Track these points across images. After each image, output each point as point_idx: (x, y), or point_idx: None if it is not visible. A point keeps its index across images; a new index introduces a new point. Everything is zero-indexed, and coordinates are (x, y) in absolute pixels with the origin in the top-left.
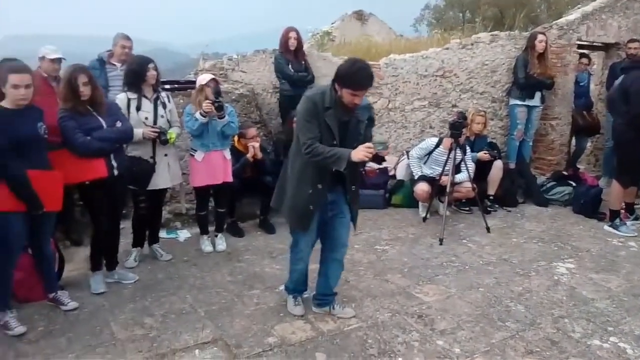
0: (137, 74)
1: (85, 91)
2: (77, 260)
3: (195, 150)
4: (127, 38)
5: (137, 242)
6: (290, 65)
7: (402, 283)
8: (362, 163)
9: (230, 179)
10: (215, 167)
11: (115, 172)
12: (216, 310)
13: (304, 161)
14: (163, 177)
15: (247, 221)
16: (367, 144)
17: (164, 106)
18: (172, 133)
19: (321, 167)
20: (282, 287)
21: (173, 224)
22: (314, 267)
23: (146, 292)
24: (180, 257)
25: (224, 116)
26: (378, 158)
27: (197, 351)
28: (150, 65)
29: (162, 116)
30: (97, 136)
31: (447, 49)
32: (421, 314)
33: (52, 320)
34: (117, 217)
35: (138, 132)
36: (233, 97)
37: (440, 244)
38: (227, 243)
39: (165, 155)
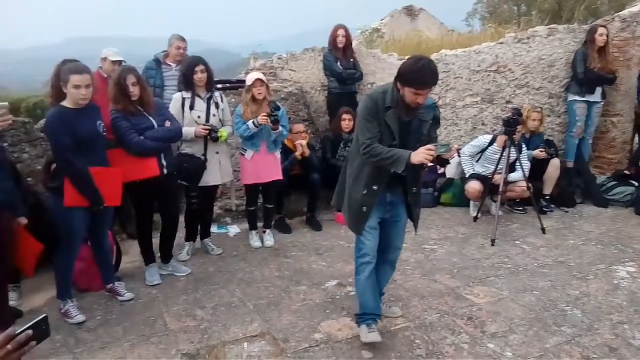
0: (185, 76)
1: (134, 91)
2: (133, 253)
3: (245, 150)
4: (182, 39)
5: (190, 237)
6: (338, 63)
7: (451, 284)
8: (423, 165)
9: (279, 177)
10: (264, 166)
11: (165, 171)
12: (264, 305)
13: (362, 161)
14: (214, 174)
15: (294, 218)
16: (428, 146)
17: (217, 105)
18: (224, 131)
19: (378, 168)
20: (329, 284)
21: (223, 219)
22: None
23: (198, 284)
24: (230, 251)
25: (278, 128)
26: (441, 161)
27: (245, 344)
28: (198, 68)
29: (214, 115)
30: (149, 135)
31: (501, 43)
32: (471, 315)
33: (109, 310)
34: (173, 213)
35: (190, 130)
36: (282, 96)
37: (492, 244)
38: (275, 239)
39: (217, 152)
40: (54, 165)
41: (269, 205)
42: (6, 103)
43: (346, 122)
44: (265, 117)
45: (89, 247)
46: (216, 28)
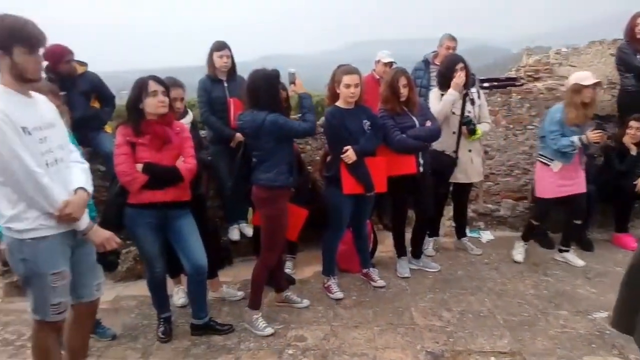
0: (444, 75)
1: (404, 93)
2: (387, 243)
3: (552, 160)
4: (452, 39)
5: (433, 233)
6: (638, 57)
7: None
8: None
9: (584, 190)
10: (570, 178)
11: (421, 169)
12: (516, 322)
13: None
14: (465, 172)
15: (558, 232)
16: None
17: (472, 102)
18: (479, 129)
19: None
20: (598, 315)
21: (476, 223)
22: None
23: (445, 285)
24: (481, 258)
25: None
26: None
27: (493, 359)
28: (458, 66)
29: (469, 112)
30: (411, 134)
31: None
32: None
33: (362, 293)
34: (426, 210)
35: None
36: (557, 94)
37: None
38: (534, 253)
39: (469, 150)
40: (329, 158)
41: (577, 222)
42: (294, 70)
43: (633, 132)
44: (599, 135)
45: (351, 233)
46: (483, 23)
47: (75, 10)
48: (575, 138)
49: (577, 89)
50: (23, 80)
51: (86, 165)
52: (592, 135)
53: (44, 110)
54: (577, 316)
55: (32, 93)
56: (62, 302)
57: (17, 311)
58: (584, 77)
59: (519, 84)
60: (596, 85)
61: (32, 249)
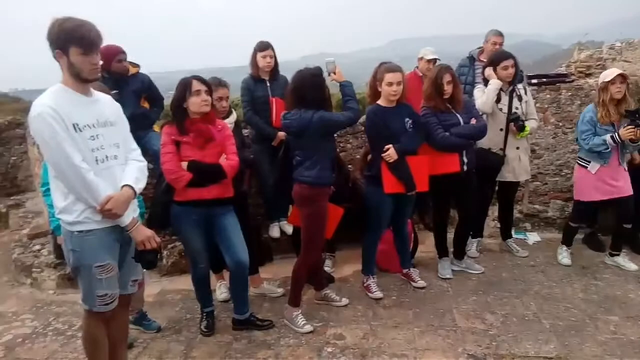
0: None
1: (448, 90)
2: (428, 243)
3: (589, 162)
4: (499, 34)
5: (477, 233)
6: None
7: None
8: None
9: (631, 192)
10: (610, 181)
11: (465, 168)
12: (563, 327)
13: None
14: (513, 171)
15: (608, 235)
16: None
17: (520, 98)
18: (527, 126)
19: None
20: None
21: (522, 224)
22: None
23: (489, 288)
24: (527, 260)
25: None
26: None
27: None
28: (508, 63)
29: (516, 108)
30: (454, 132)
31: None
32: None
33: (402, 293)
34: (469, 210)
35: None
36: None
37: None
38: (583, 256)
39: (517, 148)
40: (369, 156)
41: (626, 226)
42: (333, 59)
43: None
44: (633, 130)
45: (391, 232)
46: (531, 18)
47: (132, 17)
48: (607, 136)
49: (603, 86)
50: (80, 80)
51: (143, 163)
52: (625, 132)
53: (103, 110)
54: (629, 322)
55: (95, 92)
56: (108, 294)
57: (69, 302)
58: (608, 73)
59: (569, 80)
60: (623, 79)
61: (79, 241)
